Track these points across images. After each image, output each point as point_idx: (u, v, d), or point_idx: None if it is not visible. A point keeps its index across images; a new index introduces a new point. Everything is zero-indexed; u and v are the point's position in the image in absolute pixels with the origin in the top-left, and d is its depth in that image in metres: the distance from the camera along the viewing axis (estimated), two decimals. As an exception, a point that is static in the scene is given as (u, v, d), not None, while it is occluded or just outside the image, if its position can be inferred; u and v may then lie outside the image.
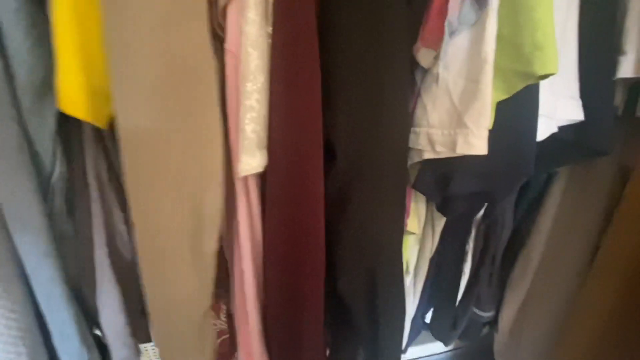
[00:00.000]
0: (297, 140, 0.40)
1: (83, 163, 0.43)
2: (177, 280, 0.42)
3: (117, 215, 0.46)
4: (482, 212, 0.59)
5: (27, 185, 0.36)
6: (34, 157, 0.37)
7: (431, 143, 0.41)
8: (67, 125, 0.39)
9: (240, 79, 0.38)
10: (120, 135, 0.34)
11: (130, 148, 0.35)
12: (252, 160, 0.40)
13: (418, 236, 0.62)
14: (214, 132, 0.38)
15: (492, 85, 0.37)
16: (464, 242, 0.65)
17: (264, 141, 0.41)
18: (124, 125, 0.34)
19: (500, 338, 0.77)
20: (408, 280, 0.64)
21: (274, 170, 0.41)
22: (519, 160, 0.43)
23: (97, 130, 0.41)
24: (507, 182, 0.46)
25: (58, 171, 0.39)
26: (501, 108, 0.39)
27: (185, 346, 0.47)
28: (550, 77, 0.37)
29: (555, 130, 0.45)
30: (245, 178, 0.42)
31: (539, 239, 0.67)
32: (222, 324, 0.60)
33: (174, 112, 0.36)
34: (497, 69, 0.37)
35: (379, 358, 0.48)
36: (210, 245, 0.42)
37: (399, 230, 0.45)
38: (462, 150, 0.39)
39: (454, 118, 0.39)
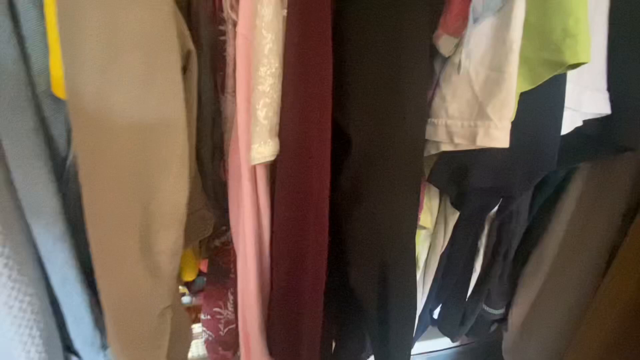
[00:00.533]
0: (304, 129, 0.39)
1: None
2: (127, 277, 0.38)
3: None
4: (496, 207, 0.58)
5: (43, 168, 0.36)
6: (49, 141, 0.36)
7: (449, 135, 0.40)
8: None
9: (253, 63, 0.38)
10: (69, 108, 0.32)
11: (77, 119, 0.32)
12: (264, 149, 0.39)
13: (430, 231, 0.61)
14: (173, 113, 0.34)
15: (517, 74, 0.36)
16: (477, 238, 0.63)
17: (276, 128, 0.40)
18: (71, 99, 0.31)
19: (509, 336, 0.77)
20: (418, 275, 0.64)
21: (282, 159, 0.40)
22: (541, 154, 0.41)
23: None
24: (527, 177, 0.44)
25: (73, 155, 0.38)
26: (524, 99, 0.38)
27: (137, 345, 0.43)
28: (577, 68, 0.35)
29: (580, 124, 0.43)
30: (253, 167, 0.41)
31: (554, 236, 0.66)
32: (229, 314, 0.60)
33: (123, 82, 0.32)
34: (523, 58, 0.36)
35: (389, 352, 0.48)
36: (164, 244, 0.38)
37: (413, 223, 0.44)
38: (482, 142, 0.37)
39: (475, 109, 0.38)
